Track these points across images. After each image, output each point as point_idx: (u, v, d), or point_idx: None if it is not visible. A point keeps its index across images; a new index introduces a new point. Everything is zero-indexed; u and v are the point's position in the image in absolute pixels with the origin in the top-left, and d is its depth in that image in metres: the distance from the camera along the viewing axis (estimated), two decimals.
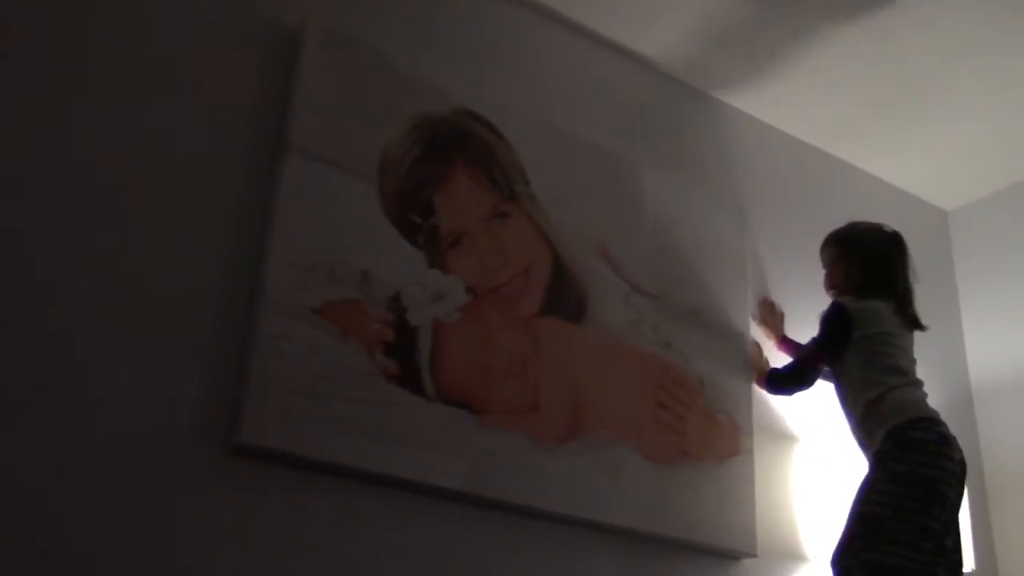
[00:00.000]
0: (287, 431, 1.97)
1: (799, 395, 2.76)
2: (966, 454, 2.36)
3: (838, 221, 2.71)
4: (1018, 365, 3.27)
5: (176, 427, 1.94)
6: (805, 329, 2.84)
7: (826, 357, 2.57)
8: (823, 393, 2.86)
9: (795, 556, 2.73)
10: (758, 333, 2.87)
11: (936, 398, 2.48)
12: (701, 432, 2.60)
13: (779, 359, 2.82)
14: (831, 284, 2.66)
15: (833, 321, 2.52)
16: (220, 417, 1.97)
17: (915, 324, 2.55)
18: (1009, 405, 3.24)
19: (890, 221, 2.77)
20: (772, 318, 2.90)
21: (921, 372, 2.49)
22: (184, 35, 2.22)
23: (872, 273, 2.59)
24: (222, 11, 2.30)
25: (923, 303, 2.63)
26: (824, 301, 2.63)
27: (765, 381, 2.76)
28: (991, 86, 3.03)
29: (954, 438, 2.33)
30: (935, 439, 2.31)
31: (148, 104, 2.12)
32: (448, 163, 2.42)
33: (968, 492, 2.45)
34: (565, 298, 2.50)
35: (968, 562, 2.40)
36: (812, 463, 2.83)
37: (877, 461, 2.32)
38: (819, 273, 2.74)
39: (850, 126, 3.24)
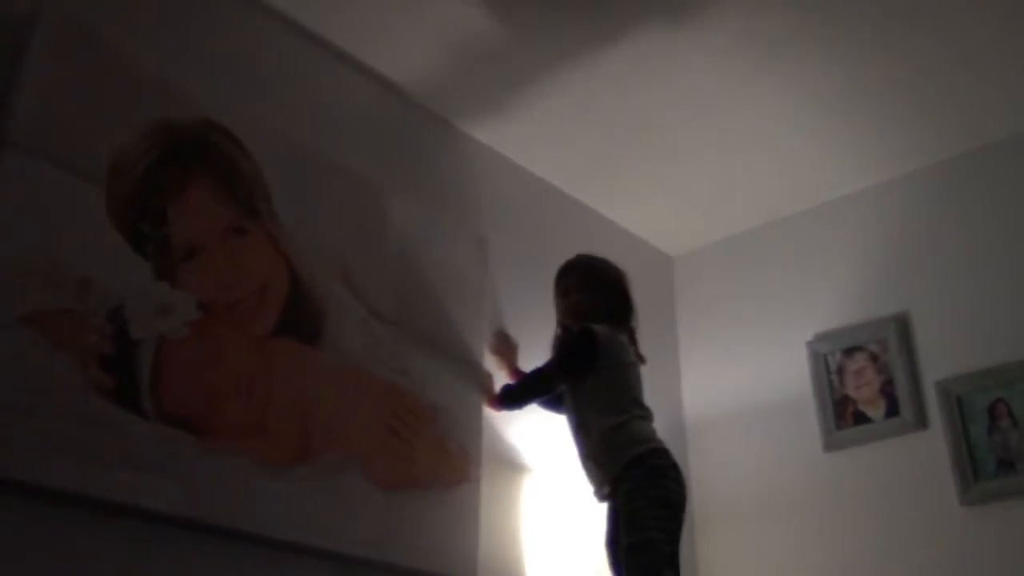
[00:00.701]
0: None
1: (528, 415, 2.86)
2: None
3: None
4: (728, 404, 3.53)
5: None
6: (538, 361, 2.94)
7: (565, 377, 2.64)
8: (554, 425, 2.97)
9: None
10: (492, 363, 2.93)
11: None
12: (431, 459, 2.62)
13: None
14: (575, 312, 2.71)
15: (581, 344, 2.59)
16: None
17: (639, 357, 2.70)
18: (718, 441, 3.49)
19: (620, 262, 2.93)
20: (507, 349, 2.96)
21: None
22: None
23: (616, 304, 2.69)
24: None
25: (646, 341, 2.79)
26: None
27: (498, 399, 2.80)
28: (717, 142, 3.27)
29: None
30: (672, 468, 2.45)
31: None
32: (186, 173, 2.32)
33: None
34: (301, 319, 2.46)
35: None
36: (540, 492, 2.91)
37: (627, 488, 2.40)
38: (552, 308, 2.84)
39: (586, 169, 3.40)
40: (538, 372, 2.74)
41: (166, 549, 2.08)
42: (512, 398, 2.79)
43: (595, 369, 2.56)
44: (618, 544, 2.41)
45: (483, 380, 2.86)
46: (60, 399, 1.93)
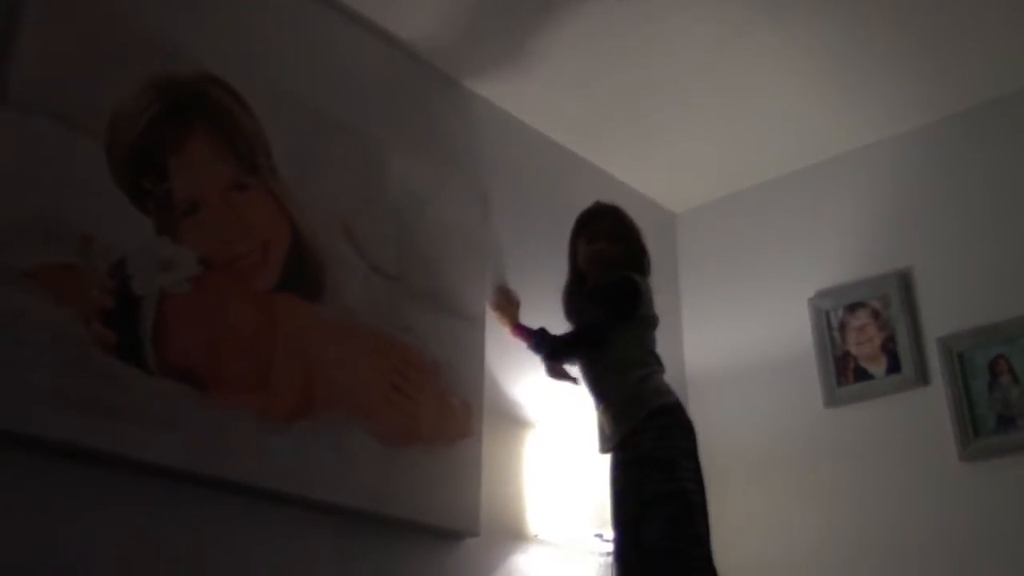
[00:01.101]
0: None
1: (529, 369, 2.86)
2: None
3: (575, 214, 2.80)
4: (729, 360, 3.54)
5: None
6: (539, 318, 2.94)
7: (613, 327, 2.53)
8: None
9: (518, 535, 2.82)
10: (494, 319, 2.94)
11: None
12: (433, 414, 2.64)
13: (513, 344, 2.92)
14: (601, 260, 2.59)
15: (628, 294, 2.51)
16: None
17: None
18: (719, 398, 3.50)
19: None
20: (508, 305, 2.96)
21: None
22: None
23: (639, 257, 2.63)
24: None
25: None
26: (557, 289, 2.72)
27: (546, 351, 2.66)
28: (720, 99, 3.25)
29: None
30: (690, 423, 2.44)
31: None
32: (186, 128, 2.32)
33: None
34: (303, 275, 2.46)
35: None
36: (541, 446, 2.93)
37: (653, 436, 2.36)
38: (554, 264, 2.84)
39: (591, 126, 3.38)
40: (588, 327, 2.59)
41: (169, 502, 2.10)
42: (564, 351, 2.63)
43: (631, 319, 2.51)
44: (627, 493, 2.38)
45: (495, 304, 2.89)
46: (63, 353, 1.95)
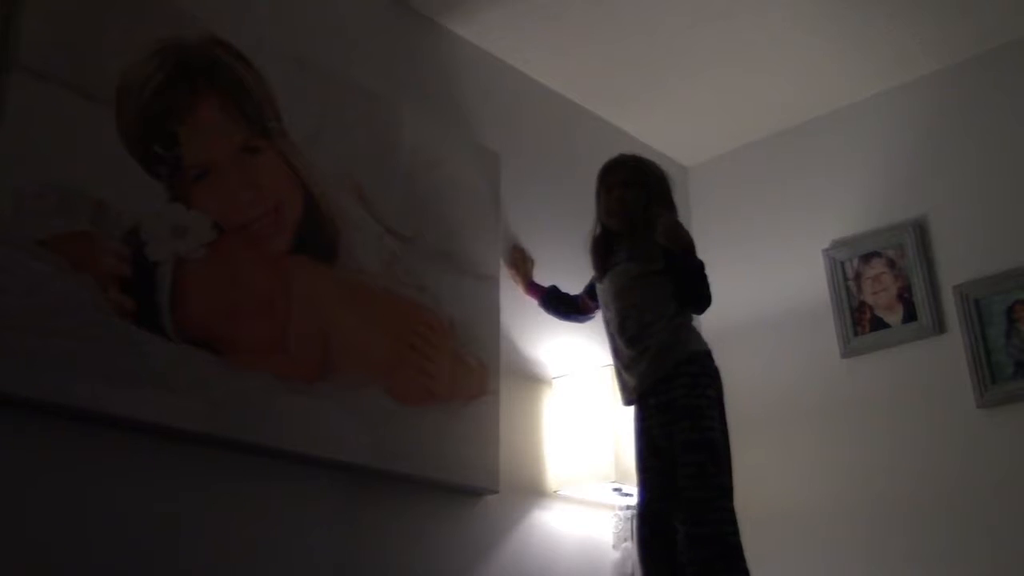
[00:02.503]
0: (7, 370, 1.83)
1: (547, 327, 2.95)
2: None
3: (587, 170, 2.76)
4: (745, 313, 3.52)
5: None
6: (552, 276, 2.94)
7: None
8: (572, 337, 2.98)
9: (536, 491, 2.84)
10: (508, 277, 2.94)
11: None
12: (450, 374, 2.65)
13: (528, 302, 2.92)
14: (627, 205, 2.51)
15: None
16: None
17: None
18: (736, 351, 3.46)
19: None
20: (522, 263, 2.97)
21: None
22: None
23: (671, 200, 2.57)
24: None
25: None
26: (575, 245, 2.70)
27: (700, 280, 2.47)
28: (730, 50, 3.21)
29: None
30: (717, 372, 2.41)
31: None
32: (194, 92, 2.30)
33: None
34: (317, 237, 2.46)
35: None
36: (559, 403, 2.94)
37: (686, 382, 2.33)
38: (567, 222, 2.83)
39: (601, 81, 3.35)
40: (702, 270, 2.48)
41: (189, 466, 2.12)
42: (705, 285, 2.48)
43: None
44: (657, 440, 2.35)
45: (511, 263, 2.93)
46: (82, 321, 1.95)
